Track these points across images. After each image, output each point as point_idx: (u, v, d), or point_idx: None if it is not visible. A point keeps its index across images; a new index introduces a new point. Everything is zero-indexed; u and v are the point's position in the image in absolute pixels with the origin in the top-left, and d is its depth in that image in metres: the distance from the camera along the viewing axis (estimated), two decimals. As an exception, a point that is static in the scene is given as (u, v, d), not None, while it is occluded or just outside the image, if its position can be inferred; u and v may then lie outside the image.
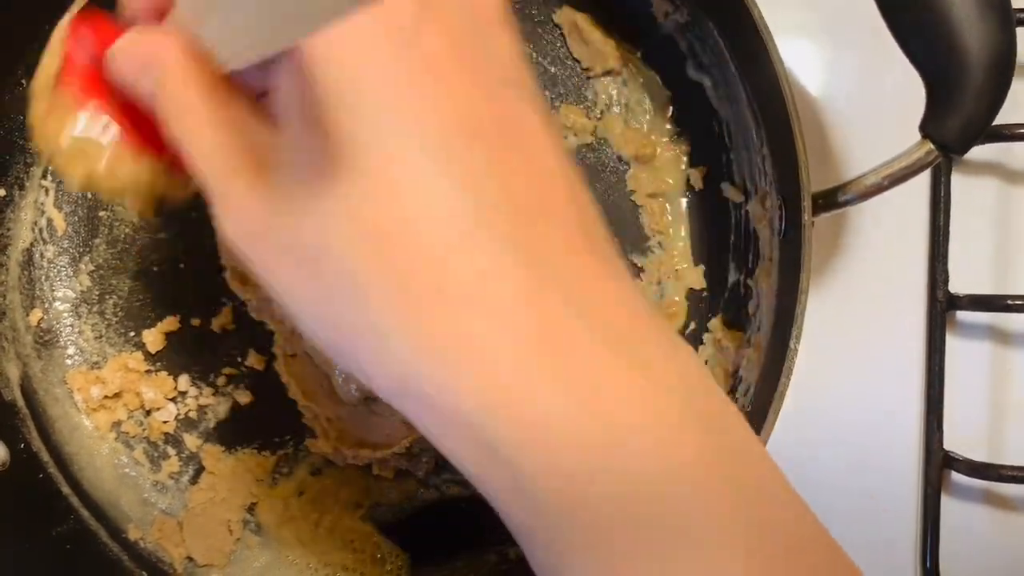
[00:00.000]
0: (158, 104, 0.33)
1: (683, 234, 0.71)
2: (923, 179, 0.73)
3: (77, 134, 0.42)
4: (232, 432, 0.69)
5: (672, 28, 0.68)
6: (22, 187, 0.67)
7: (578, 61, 0.72)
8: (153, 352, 0.69)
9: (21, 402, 0.65)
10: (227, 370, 0.69)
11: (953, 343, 0.73)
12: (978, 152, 0.74)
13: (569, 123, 0.71)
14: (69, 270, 0.69)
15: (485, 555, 0.69)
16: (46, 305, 0.68)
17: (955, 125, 0.50)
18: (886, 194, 0.54)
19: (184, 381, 0.69)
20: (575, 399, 0.28)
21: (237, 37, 0.30)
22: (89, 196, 0.69)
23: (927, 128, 0.51)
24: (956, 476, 0.73)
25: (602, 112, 0.72)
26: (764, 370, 0.60)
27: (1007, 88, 0.49)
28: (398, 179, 0.28)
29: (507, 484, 0.29)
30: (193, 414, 0.69)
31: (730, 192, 0.68)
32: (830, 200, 0.54)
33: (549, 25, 0.71)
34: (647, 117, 0.71)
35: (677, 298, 0.71)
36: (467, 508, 0.70)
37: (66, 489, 0.65)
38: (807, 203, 0.53)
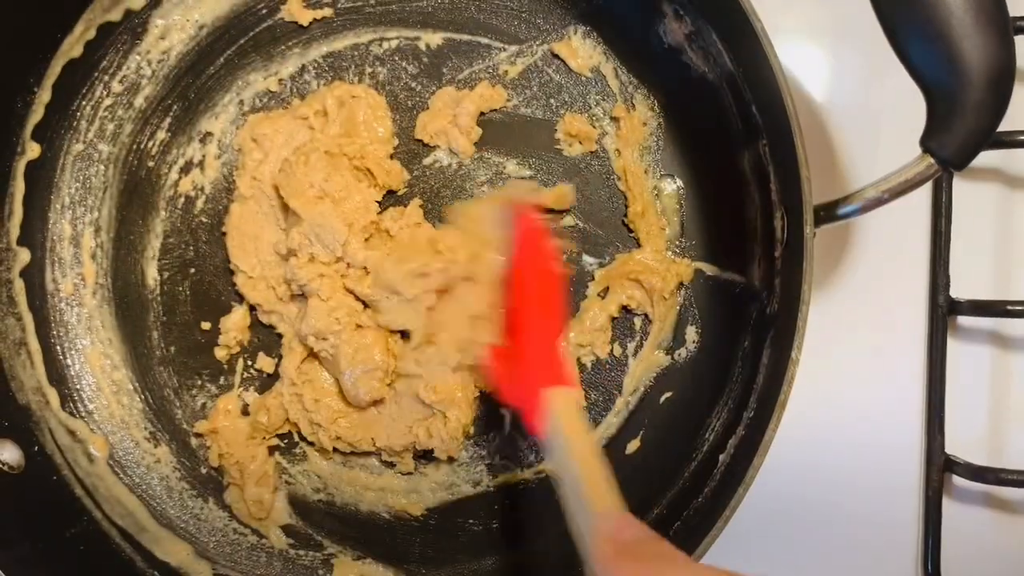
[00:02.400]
0: None
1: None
2: (925, 185, 0.74)
3: None
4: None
5: (675, 42, 0.69)
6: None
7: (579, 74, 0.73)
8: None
9: (35, 405, 0.67)
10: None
11: (954, 348, 0.74)
12: (979, 159, 0.73)
13: (574, 131, 0.72)
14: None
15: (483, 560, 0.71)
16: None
17: (955, 140, 0.50)
18: (888, 200, 0.55)
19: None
20: None
21: None
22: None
23: (927, 143, 0.51)
24: (957, 480, 0.74)
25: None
26: (766, 378, 0.61)
27: (1006, 103, 0.49)
28: None
29: None
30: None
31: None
32: (831, 213, 0.55)
33: (554, 36, 0.73)
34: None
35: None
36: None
37: (79, 491, 0.66)
38: (809, 216, 0.53)
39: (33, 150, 0.67)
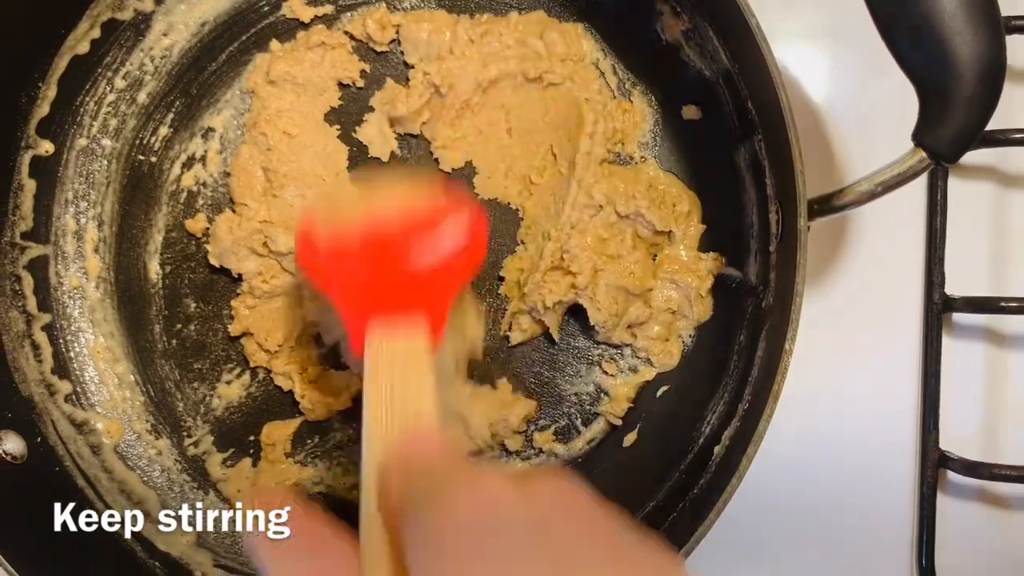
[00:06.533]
0: None
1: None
2: (920, 183, 0.74)
3: None
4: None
5: (673, 39, 0.69)
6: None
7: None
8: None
9: (38, 397, 0.67)
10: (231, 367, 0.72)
11: (949, 344, 0.74)
12: (974, 157, 0.75)
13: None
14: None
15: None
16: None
17: (947, 134, 0.50)
18: (884, 197, 0.55)
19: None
20: None
21: None
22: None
23: (920, 136, 0.52)
24: (951, 475, 0.74)
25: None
26: (760, 369, 0.61)
27: (997, 98, 0.50)
28: None
29: None
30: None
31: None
32: (825, 206, 0.55)
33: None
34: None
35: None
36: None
37: (82, 482, 0.67)
38: (803, 208, 0.54)
39: (38, 145, 0.68)
